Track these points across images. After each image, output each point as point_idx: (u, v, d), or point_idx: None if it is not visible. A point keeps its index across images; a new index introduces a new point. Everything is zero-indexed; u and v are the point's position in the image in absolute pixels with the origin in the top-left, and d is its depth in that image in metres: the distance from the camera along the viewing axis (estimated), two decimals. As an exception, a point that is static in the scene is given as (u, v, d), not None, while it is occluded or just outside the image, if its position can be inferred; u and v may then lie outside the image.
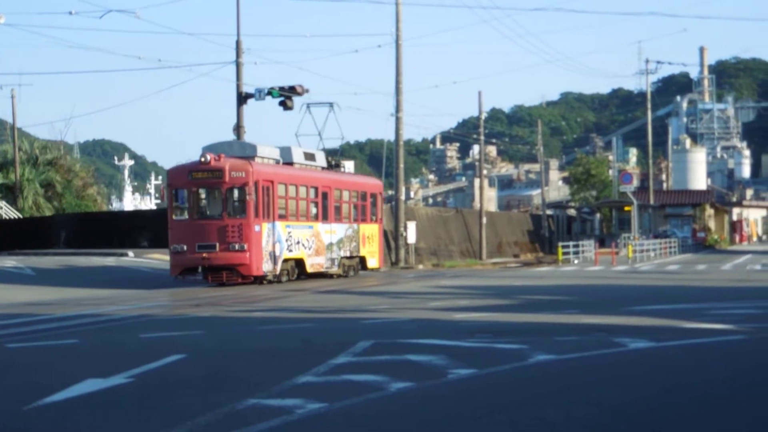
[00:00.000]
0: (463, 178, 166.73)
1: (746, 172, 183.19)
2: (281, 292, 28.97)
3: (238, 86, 43.39)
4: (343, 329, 16.68)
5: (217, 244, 32.01)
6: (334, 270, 37.55)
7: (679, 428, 8.66)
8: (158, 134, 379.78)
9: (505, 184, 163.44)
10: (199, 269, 32.68)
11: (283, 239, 33.79)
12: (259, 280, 33.12)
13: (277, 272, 33.54)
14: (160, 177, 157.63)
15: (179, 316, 19.88)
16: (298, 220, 35.03)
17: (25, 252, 54.11)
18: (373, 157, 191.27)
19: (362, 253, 39.84)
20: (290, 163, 36.01)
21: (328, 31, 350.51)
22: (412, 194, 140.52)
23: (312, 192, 36.16)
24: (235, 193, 32.32)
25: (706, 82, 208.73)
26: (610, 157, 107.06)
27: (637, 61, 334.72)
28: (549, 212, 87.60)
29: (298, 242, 34.95)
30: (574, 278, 35.97)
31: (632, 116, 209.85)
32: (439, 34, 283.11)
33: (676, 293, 26.42)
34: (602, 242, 69.66)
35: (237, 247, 31.91)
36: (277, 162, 35.10)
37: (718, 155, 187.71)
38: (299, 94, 41.37)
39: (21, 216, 67.48)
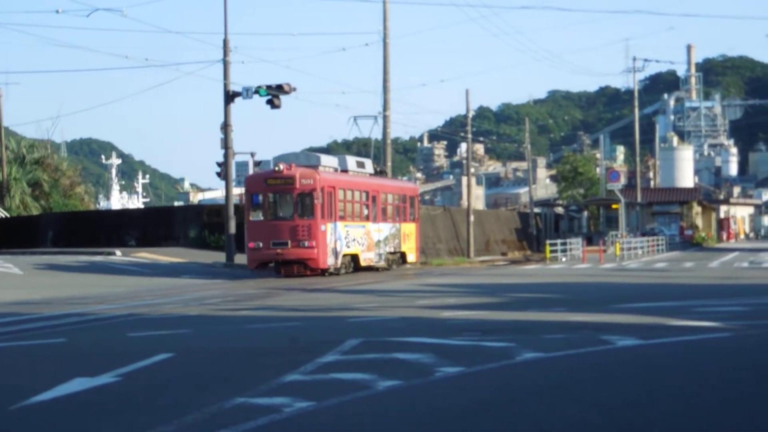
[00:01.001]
0: (451, 177, 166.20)
1: (733, 169, 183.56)
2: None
3: (225, 85, 43.29)
4: (331, 327, 16.61)
5: (289, 242, 36.57)
6: (381, 264, 41.90)
7: (666, 425, 8.64)
8: (145, 133, 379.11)
9: (492, 182, 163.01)
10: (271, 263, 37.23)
11: (342, 237, 38.34)
12: (324, 272, 37.29)
13: (338, 266, 38.01)
14: (147, 176, 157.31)
15: (167, 315, 19.80)
16: (353, 220, 39.59)
17: (12, 251, 53.94)
18: (360, 155, 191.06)
19: (403, 249, 44.34)
20: (345, 171, 40.66)
21: (315, 30, 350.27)
22: None
23: (364, 195, 40.77)
24: (304, 197, 36.72)
25: (693, 80, 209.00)
26: (598, 155, 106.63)
27: (624, 59, 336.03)
28: (537, 210, 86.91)
29: (354, 240, 39.46)
30: (561, 276, 35.88)
31: (619, 114, 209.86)
32: (427, 32, 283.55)
33: (664, 291, 26.35)
34: (590, 240, 69.13)
35: (306, 244, 36.51)
36: (336, 170, 39.77)
37: (706, 153, 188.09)
38: (286, 93, 41.29)
39: (8, 215, 67.26)
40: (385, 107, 51.06)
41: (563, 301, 22.16)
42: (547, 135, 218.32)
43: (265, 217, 37.14)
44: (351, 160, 41.95)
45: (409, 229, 45.23)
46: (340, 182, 38.69)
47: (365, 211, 40.81)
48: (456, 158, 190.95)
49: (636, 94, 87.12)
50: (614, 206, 73.90)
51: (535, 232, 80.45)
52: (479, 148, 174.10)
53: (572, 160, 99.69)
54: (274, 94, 41.36)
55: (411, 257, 45.27)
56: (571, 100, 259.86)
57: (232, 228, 43.78)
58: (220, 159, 44.33)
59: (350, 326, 16.67)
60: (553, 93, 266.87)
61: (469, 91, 71.40)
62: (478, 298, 23.56)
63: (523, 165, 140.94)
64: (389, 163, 51.23)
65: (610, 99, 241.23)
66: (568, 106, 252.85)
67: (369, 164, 43.47)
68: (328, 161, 39.67)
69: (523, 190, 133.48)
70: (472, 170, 77.53)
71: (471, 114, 69.36)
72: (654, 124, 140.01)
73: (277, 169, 36.97)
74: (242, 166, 47.65)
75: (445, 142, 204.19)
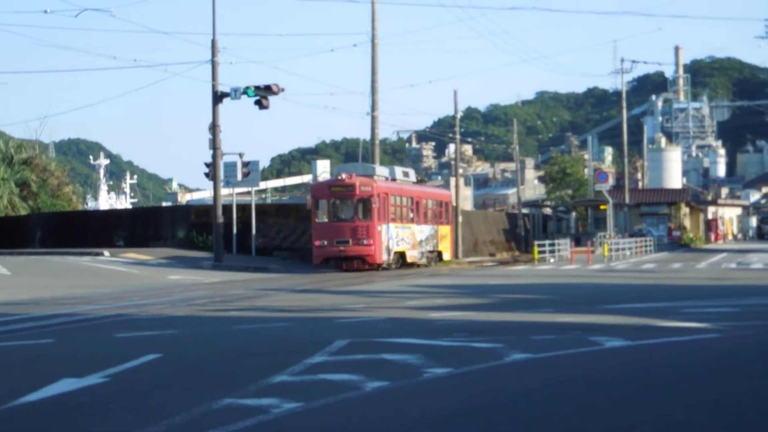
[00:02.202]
0: (439, 177, 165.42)
1: (721, 170, 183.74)
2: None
3: (213, 85, 43.14)
4: (319, 328, 16.55)
5: (350, 240, 42.04)
6: (423, 261, 47.39)
7: (653, 424, 8.64)
8: (134, 133, 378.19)
9: (480, 183, 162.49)
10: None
11: (393, 237, 43.67)
12: (379, 267, 42.24)
13: (390, 261, 43.48)
14: (135, 176, 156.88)
15: (155, 316, 19.72)
16: (401, 222, 44.97)
17: (1, 252, 53.75)
18: (349, 156, 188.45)
19: (440, 248, 49.97)
20: (394, 179, 46.21)
21: (304, 31, 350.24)
22: None
23: (409, 201, 46.13)
24: (363, 202, 42.24)
25: (681, 81, 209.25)
26: (586, 156, 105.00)
27: (612, 60, 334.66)
28: (525, 211, 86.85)
29: (402, 239, 44.87)
30: (550, 277, 35.84)
31: (607, 115, 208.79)
32: (415, 32, 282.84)
33: (652, 292, 26.33)
34: (578, 241, 68.89)
35: (365, 242, 41.92)
36: (386, 178, 45.33)
37: (693, 154, 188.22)
38: (275, 93, 41.18)
39: (-4, 215, 67.04)
40: (373, 108, 50.94)
41: (552, 302, 22.13)
42: (536, 136, 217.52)
43: (329, 219, 42.71)
44: (398, 171, 47.73)
45: (445, 230, 51.02)
46: (391, 189, 44.11)
47: (410, 215, 46.27)
48: (444, 159, 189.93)
49: (624, 95, 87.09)
50: (602, 207, 73.76)
51: (523, 232, 79.62)
52: (467, 149, 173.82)
53: (560, 161, 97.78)
54: (263, 94, 41.25)
55: (446, 255, 50.85)
56: (559, 101, 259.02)
57: (221, 228, 43.80)
58: (209, 159, 44.17)
59: (339, 327, 16.61)
60: (542, 94, 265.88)
61: (457, 92, 70.95)
62: (466, 299, 23.52)
63: (512, 166, 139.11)
64: (377, 164, 50.99)
65: (599, 100, 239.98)
66: (557, 107, 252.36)
67: (412, 174, 50.11)
68: (381, 171, 45.37)
69: (511, 191, 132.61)
70: (461, 171, 77.50)
71: (459, 115, 69.08)
72: (642, 125, 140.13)
73: (339, 177, 42.87)
74: (230, 166, 47.59)
75: (433, 143, 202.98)
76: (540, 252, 54.98)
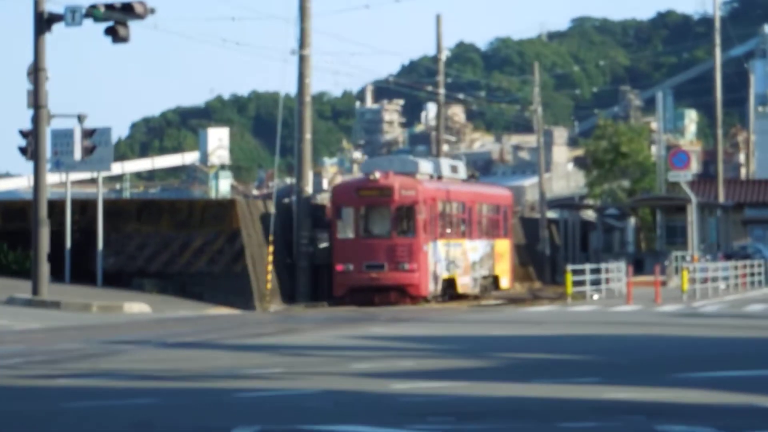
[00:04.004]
0: (411, 157, 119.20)
1: None
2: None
3: (36, 4, 31.25)
4: (207, 407, 13.36)
5: (386, 264, 35.15)
6: (476, 291, 39.83)
7: None
8: None
9: (480, 167, 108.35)
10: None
11: (442, 258, 36.91)
12: (423, 300, 35.88)
13: (437, 292, 36.63)
14: None
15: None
16: (451, 238, 38.09)
17: None
18: (260, 121, 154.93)
19: (496, 271, 42.05)
20: (440, 177, 38.91)
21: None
22: (325, 184, 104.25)
23: (460, 208, 39.17)
24: (404, 211, 35.74)
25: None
26: (653, 125, 76.38)
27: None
28: (551, 215, 64.60)
29: (452, 261, 37.84)
30: (591, 325, 28.65)
31: (689, 58, 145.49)
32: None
33: (762, 351, 21.78)
34: (639, 265, 49.63)
35: (407, 266, 35.19)
36: (431, 176, 38.17)
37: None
38: (139, 17, 29.90)
39: None
40: (302, 43, 37.83)
41: (595, 366, 18.15)
42: (571, 91, 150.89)
43: (357, 235, 36.14)
44: (444, 164, 40.44)
45: (503, 246, 43.24)
46: (440, 193, 37.73)
47: (462, 227, 39.67)
48: (419, 127, 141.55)
49: (717, 23, 63.20)
50: (681, 210, 53.45)
51: (548, 250, 58.97)
52: (457, 112, 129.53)
53: (611, 133, 68.27)
54: (119, 18, 29.23)
55: (504, 282, 43.15)
56: (609, 33, 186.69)
57: (46, 238, 31.28)
58: (26, 125, 32.32)
59: (241, 405, 13.61)
60: (581, 22, 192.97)
61: (442, 18, 49.87)
62: (452, 360, 19.57)
63: (530, 140, 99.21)
64: (308, 135, 37.88)
65: (675, 32, 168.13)
66: (605, 43, 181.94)
67: (462, 168, 42.32)
68: (425, 167, 38.46)
69: (528, 182, 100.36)
70: (446, 148, 64.79)
71: (444, 55, 51.39)
72: (747, 74, 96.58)
73: (372, 177, 35.97)
74: (63, 137, 34.92)
75: (401, 102, 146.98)
76: (576, 283, 40.23)
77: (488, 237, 41.73)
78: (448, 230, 38.26)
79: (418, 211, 35.54)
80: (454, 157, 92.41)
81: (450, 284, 38.01)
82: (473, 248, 40.07)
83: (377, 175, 35.67)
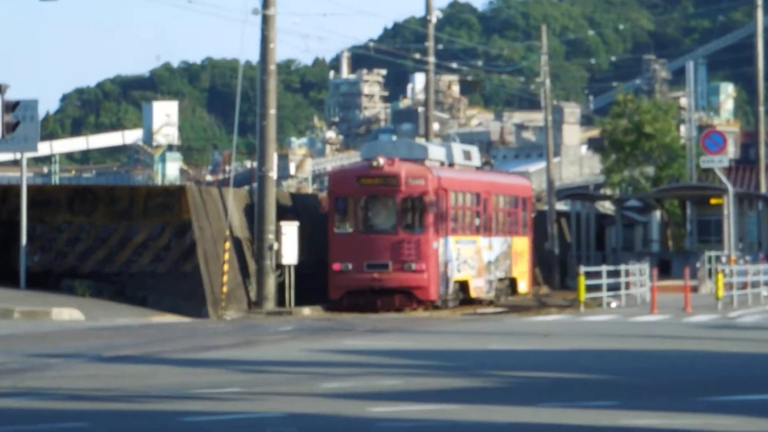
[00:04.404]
0: (394, 137, 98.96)
1: None
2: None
3: None
4: None
5: (390, 263, 33.00)
6: (490, 295, 37.48)
7: None
8: None
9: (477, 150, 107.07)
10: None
11: (453, 258, 34.68)
12: (432, 305, 33.85)
13: (448, 296, 34.54)
14: None
15: None
16: (464, 234, 35.89)
17: None
18: (216, 93, 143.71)
19: (514, 273, 39.45)
20: (452, 164, 36.49)
21: None
22: (292, 168, 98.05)
23: (474, 199, 36.86)
24: (412, 203, 33.73)
25: None
26: (683, 100, 73.15)
27: None
28: (561, 207, 59.60)
29: (465, 261, 35.64)
30: (608, 338, 25.74)
31: (725, 21, 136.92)
32: None
33: None
34: (665, 267, 45.38)
35: (414, 266, 33.02)
36: (442, 164, 35.76)
37: None
38: None
39: None
40: (266, 1, 34.26)
41: (610, 387, 16.64)
42: (585, 60, 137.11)
43: (356, 229, 33.97)
44: (457, 149, 37.61)
45: (521, 245, 40.46)
46: (452, 182, 35.28)
47: (476, 221, 37.11)
48: (404, 102, 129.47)
49: None
50: (714, 201, 48.83)
51: (557, 248, 53.89)
52: (450, 83, 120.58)
53: (632, 111, 61.06)
54: None
55: (522, 285, 40.40)
56: None
57: None
58: None
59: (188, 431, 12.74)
60: None
61: None
62: (441, 379, 17.78)
63: (537, 118, 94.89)
64: (272, 111, 33.69)
65: None
66: (626, 4, 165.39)
67: (476, 153, 39.40)
68: (435, 152, 35.87)
69: (534, 168, 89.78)
70: (436, 126, 61.40)
71: (435, 16, 46.71)
72: None
73: (375, 164, 33.29)
74: None
75: (383, 72, 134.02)
76: (591, 288, 36.85)
77: (505, 234, 39.20)
78: (461, 225, 36.02)
79: (428, 203, 33.44)
80: (445, 138, 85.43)
81: (461, 287, 35.73)
82: (488, 246, 37.53)
83: (381, 161, 33.11)
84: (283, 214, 34.17)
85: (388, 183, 33.55)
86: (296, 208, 36.51)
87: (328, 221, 34.30)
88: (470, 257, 36.14)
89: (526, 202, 41.72)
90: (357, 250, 33.28)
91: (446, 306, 34.44)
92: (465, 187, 36.51)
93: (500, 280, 38.44)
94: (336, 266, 33.20)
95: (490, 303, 37.27)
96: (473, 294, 36.10)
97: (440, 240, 33.98)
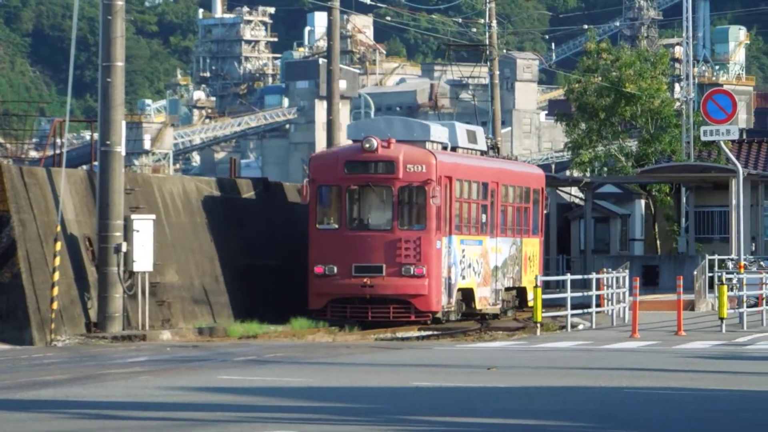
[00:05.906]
0: (285, 101, 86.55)
1: None
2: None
3: None
4: None
5: (384, 266, 29.87)
6: (495, 308, 33.55)
7: None
8: None
9: (400, 114, 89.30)
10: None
11: (458, 260, 31.30)
12: (432, 318, 30.67)
13: (451, 307, 30.97)
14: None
15: None
16: (469, 232, 32.53)
17: None
18: (42, 38, 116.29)
19: (524, 282, 35.11)
20: (455, 148, 32.64)
21: None
22: (147, 142, 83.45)
23: (481, 191, 33.14)
24: (411, 193, 30.57)
25: None
26: (678, 50, 61.94)
27: None
28: None
29: (470, 265, 32.14)
30: (572, 373, 21.48)
31: None
32: None
33: None
34: (651, 275, 38.92)
35: (413, 270, 29.85)
36: (445, 147, 32.03)
37: None
38: None
39: None
40: None
41: None
42: None
43: (342, 225, 30.56)
44: (460, 130, 33.45)
45: (533, 247, 36.37)
46: (458, 169, 31.62)
47: (482, 217, 33.26)
48: (299, 52, 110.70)
49: None
50: (720, 187, 40.26)
51: None
52: (363, 25, 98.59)
53: (608, 63, 49.19)
54: None
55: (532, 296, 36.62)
56: None
57: None
58: None
59: None
60: None
61: None
62: (344, 427, 14.94)
63: (479, 74, 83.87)
64: (120, 63, 26.74)
65: None
66: None
67: (481, 135, 35.04)
68: (438, 133, 31.77)
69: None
70: (344, 85, 54.15)
71: None
72: None
73: (366, 146, 29.78)
74: None
75: (270, 10, 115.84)
76: (550, 304, 31.53)
77: (514, 234, 35.12)
78: (466, 222, 32.50)
79: (430, 194, 29.66)
80: (356, 99, 72.90)
81: (467, 296, 31.86)
82: (496, 248, 33.62)
83: (374, 142, 29.44)
84: (136, 205, 28.08)
85: (383, 169, 30.22)
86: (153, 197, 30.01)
87: (309, 215, 30.83)
88: (476, 261, 32.45)
89: (538, 196, 36.78)
90: (343, 250, 30.04)
91: (448, 319, 31.12)
92: (471, 176, 32.73)
93: (507, 290, 34.39)
94: (318, 269, 29.85)
95: (495, 317, 33.70)
96: (478, 305, 32.30)
97: (443, 239, 30.58)
